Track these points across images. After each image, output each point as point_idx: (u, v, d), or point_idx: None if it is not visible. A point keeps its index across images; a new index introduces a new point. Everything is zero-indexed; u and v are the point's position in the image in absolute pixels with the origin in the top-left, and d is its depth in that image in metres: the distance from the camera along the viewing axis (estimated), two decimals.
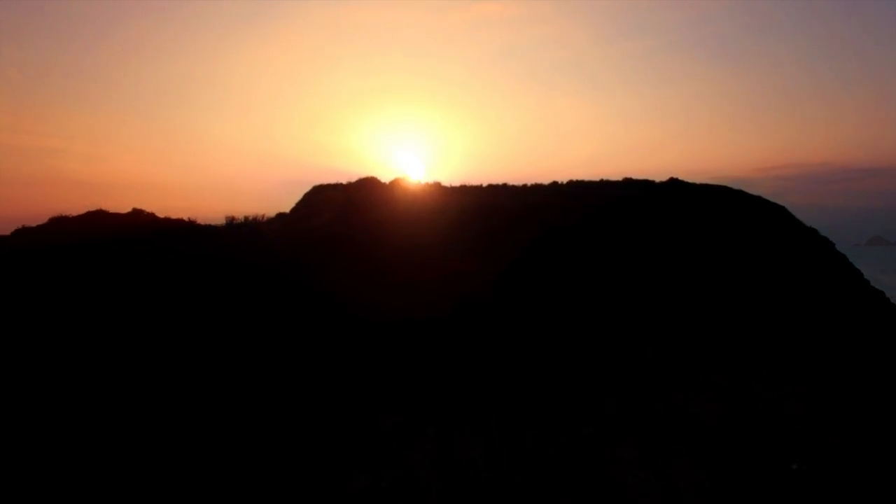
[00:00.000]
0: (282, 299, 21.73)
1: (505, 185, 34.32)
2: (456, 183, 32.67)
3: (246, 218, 25.05)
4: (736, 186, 49.91)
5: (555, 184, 40.98)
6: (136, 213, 22.58)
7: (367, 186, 27.48)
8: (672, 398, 20.42)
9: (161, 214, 24.85)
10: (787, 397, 22.77)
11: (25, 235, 22.42)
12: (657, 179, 45.99)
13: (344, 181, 31.31)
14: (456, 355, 20.91)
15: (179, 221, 22.81)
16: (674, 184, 50.86)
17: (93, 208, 22.84)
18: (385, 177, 30.39)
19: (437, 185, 30.46)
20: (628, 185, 45.92)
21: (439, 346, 21.00)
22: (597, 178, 45.32)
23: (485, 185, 34.20)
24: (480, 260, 24.34)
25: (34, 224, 22.28)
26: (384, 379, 19.25)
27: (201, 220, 25.65)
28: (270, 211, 27.54)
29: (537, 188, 36.72)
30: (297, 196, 31.43)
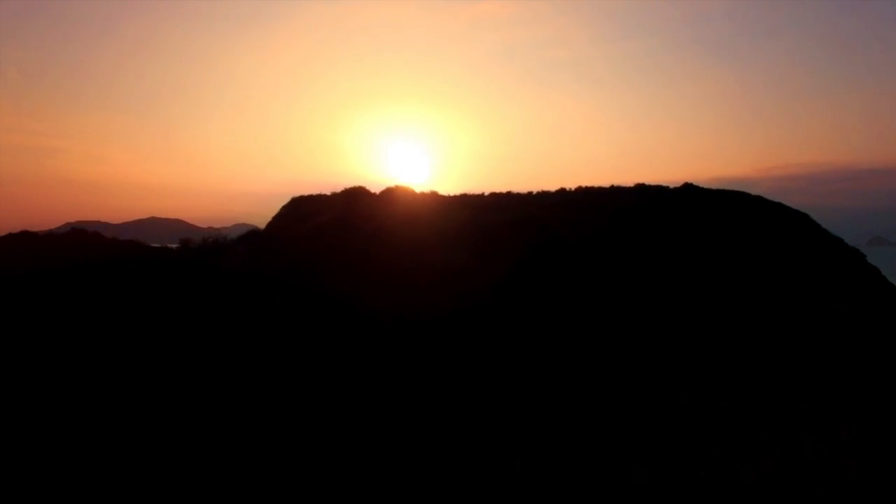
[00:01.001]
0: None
1: (509, 194, 30.84)
2: (455, 189, 29.51)
3: (205, 240, 21.65)
4: (736, 186, 46.52)
5: (563, 191, 37.56)
6: (75, 235, 19.19)
7: (353, 199, 23.86)
8: (714, 458, 16.96)
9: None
10: (842, 449, 19.30)
11: None
12: (660, 182, 42.65)
13: (342, 182, 28.17)
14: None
15: (129, 245, 19.40)
16: (688, 189, 47.37)
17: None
18: (382, 180, 27.38)
19: (434, 196, 26.90)
20: (641, 191, 42.40)
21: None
22: (607, 185, 41.96)
23: (487, 192, 30.73)
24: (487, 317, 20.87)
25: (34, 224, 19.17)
26: None
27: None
28: (269, 211, 24.81)
29: (544, 197, 33.26)
30: (295, 195, 28.88)
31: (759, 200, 46.24)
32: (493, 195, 29.97)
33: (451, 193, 29.52)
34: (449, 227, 23.52)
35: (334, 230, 23.92)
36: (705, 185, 43.71)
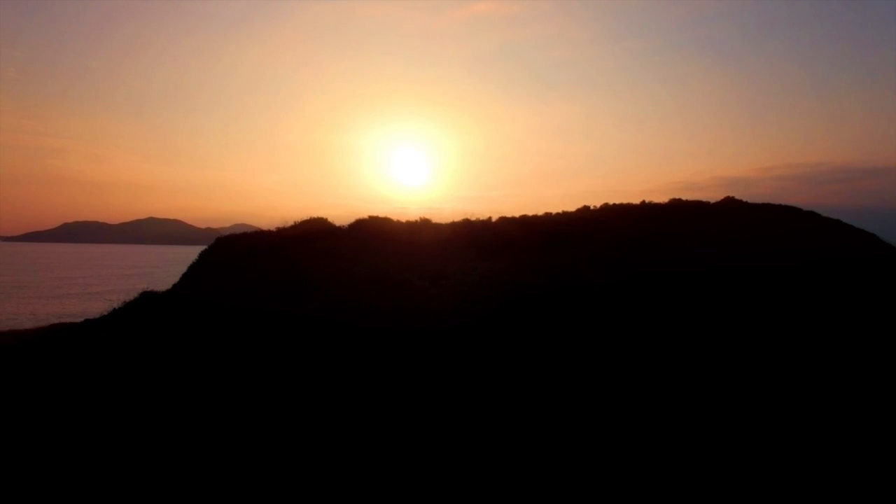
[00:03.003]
0: None
1: (524, 219, 24.06)
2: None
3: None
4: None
5: (586, 210, 31.04)
6: None
7: (305, 241, 17.04)
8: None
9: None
10: None
11: None
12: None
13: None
14: None
15: None
16: (731, 204, 40.75)
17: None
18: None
19: (425, 227, 20.19)
20: (677, 208, 35.92)
21: None
22: (636, 200, 35.40)
23: (495, 217, 23.97)
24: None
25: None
26: None
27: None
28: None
29: (564, 219, 26.54)
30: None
31: (812, 217, 39.70)
32: (503, 221, 23.16)
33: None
34: (436, 306, 16.49)
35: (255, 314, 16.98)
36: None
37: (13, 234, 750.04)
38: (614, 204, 31.68)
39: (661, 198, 36.76)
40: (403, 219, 19.91)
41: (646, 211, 32.52)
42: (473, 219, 23.66)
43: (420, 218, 20.99)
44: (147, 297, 18.06)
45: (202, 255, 20.06)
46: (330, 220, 20.47)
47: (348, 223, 18.98)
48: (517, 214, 26.48)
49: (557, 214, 27.30)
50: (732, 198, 38.40)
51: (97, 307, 69.13)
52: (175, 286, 19.20)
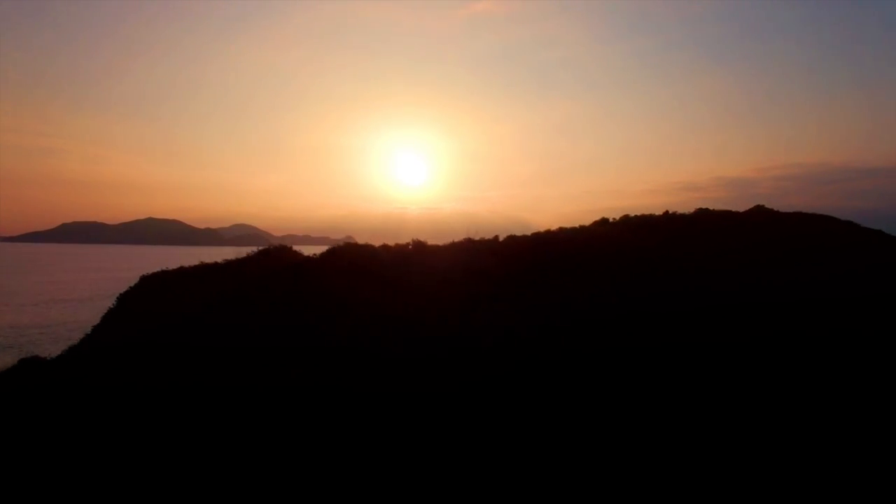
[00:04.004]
0: None
1: (535, 237, 20.36)
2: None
3: None
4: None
5: (604, 222, 27.43)
6: None
7: (267, 276, 13.34)
8: None
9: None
10: None
11: None
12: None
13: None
14: None
15: None
16: (762, 213, 37.06)
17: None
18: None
19: (419, 247, 16.46)
20: (704, 217, 32.26)
21: None
22: (659, 211, 31.75)
23: (502, 237, 20.27)
24: None
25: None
26: None
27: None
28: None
29: (582, 237, 22.87)
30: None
31: (850, 227, 35.98)
32: (512, 242, 19.44)
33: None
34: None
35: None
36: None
37: (12, 234, 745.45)
38: (636, 216, 28.02)
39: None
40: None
41: (670, 224, 28.85)
42: (477, 237, 19.95)
43: (412, 242, 17.29)
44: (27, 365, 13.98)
45: (121, 300, 16.36)
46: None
47: (325, 248, 15.29)
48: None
49: (573, 231, 23.59)
50: (762, 206, 34.72)
51: (83, 317, 65.56)
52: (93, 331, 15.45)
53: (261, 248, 15.99)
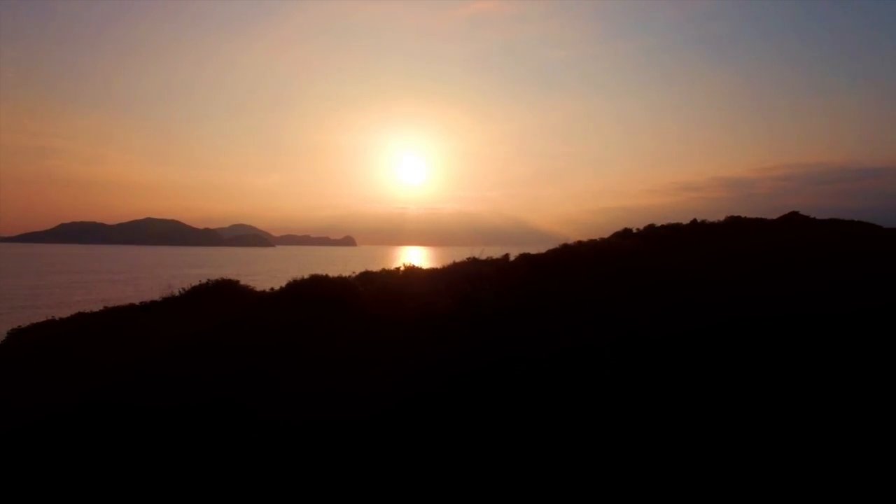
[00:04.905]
0: None
1: (553, 255, 17.06)
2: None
3: None
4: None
5: (627, 232, 24.16)
6: None
7: (198, 316, 9.93)
8: None
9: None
10: None
11: None
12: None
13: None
14: None
15: None
16: (797, 220, 33.77)
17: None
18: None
19: (410, 276, 13.17)
20: (735, 228, 28.97)
21: None
22: (686, 220, 28.48)
23: (512, 257, 16.97)
24: None
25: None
26: None
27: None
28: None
29: (604, 251, 19.57)
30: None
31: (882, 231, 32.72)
32: (523, 264, 16.12)
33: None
34: None
35: None
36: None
37: (10, 234, 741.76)
38: (661, 226, 24.71)
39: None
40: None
41: (700, 230, 25.62)
42: (483, 257, 16.61)
43: (403, 267, 13.93)
44: None
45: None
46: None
47: (286, 283, 11.96)
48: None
49: (594, 245, 20.25)
50: (797, 213, 31.41)
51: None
52: None
53: (194, 285, 12.61)
